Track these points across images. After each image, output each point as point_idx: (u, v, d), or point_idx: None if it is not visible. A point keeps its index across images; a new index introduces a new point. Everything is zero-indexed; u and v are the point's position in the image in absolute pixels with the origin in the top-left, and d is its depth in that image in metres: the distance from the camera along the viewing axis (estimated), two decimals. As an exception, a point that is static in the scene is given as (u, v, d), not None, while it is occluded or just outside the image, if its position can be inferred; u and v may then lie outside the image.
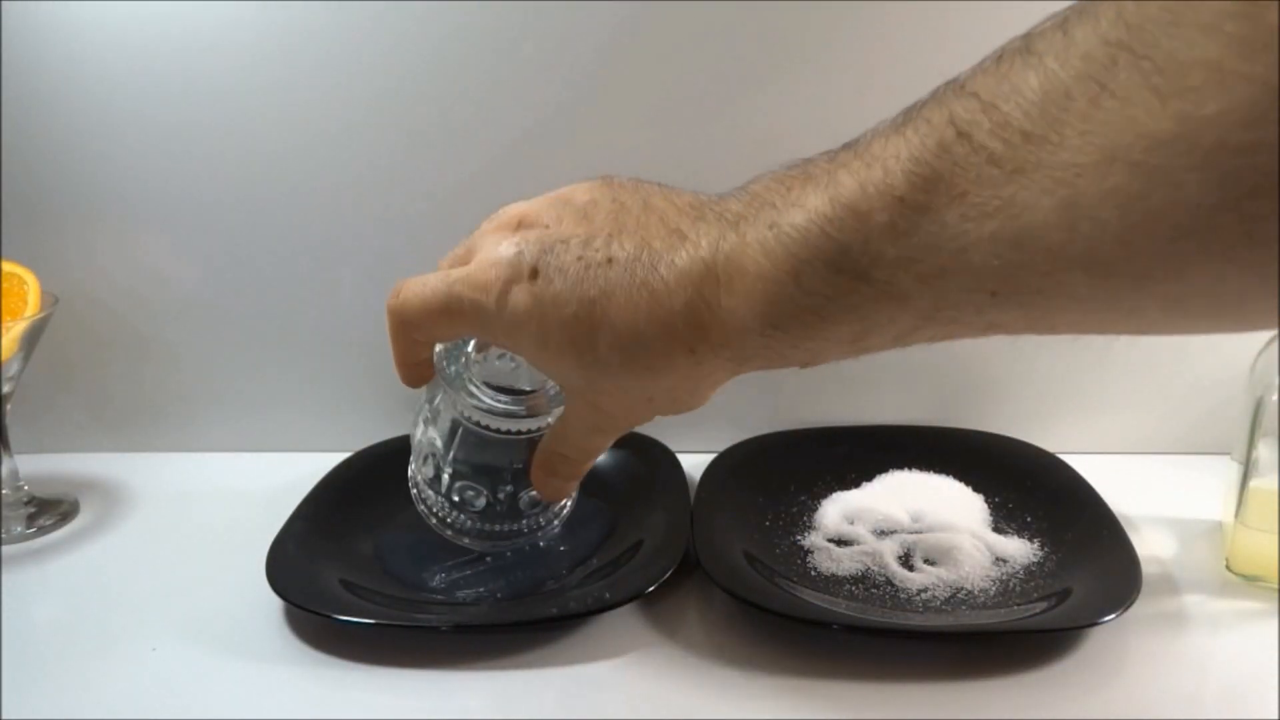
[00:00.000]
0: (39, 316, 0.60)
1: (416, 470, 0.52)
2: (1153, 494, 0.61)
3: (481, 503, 0.50)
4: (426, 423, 0.50)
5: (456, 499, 0.50)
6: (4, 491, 0.61)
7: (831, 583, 0.52)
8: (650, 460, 0.63)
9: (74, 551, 0.59)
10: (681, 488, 0.59)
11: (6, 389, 0.60)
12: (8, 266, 0.61)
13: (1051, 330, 0.30)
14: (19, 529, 0.60)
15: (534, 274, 0.37)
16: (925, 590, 0.51)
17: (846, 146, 0.32)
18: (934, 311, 0.31)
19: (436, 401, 0.49)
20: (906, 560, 0.54)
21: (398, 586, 0.53)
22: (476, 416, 0.47)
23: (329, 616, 0.48)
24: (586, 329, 0.37)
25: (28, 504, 0.62)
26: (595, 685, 0.45)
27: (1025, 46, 0.27)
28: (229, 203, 0.65)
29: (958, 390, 0.68)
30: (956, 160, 0.28)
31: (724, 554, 0.52)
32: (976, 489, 0.60)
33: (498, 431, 0.47)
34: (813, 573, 0.53)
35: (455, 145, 0.64)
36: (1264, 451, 0.50)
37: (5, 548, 0.59)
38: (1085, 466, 0.60)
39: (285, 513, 0.57)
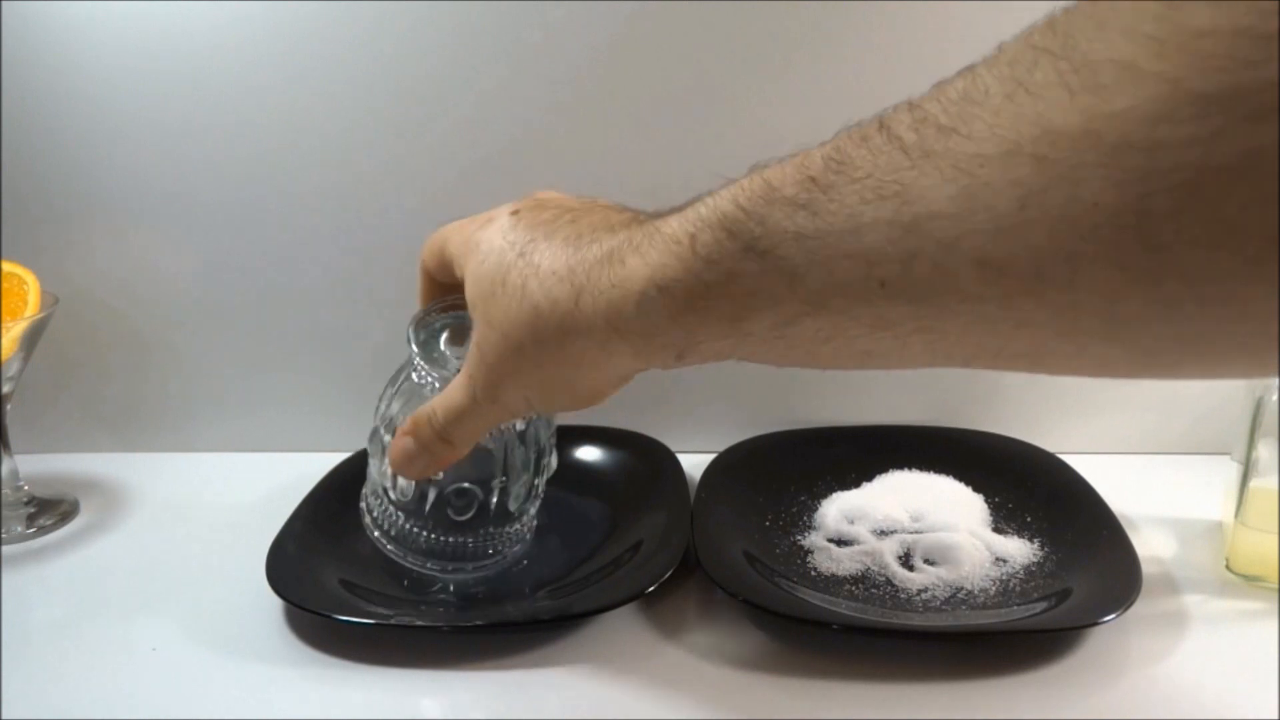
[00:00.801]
0: (39, 316, 0.60)
1: (380, 493, 0.51)
2: (1153, 494, 0.61)
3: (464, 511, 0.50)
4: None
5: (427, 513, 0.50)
6: (4, 491, 0.61)
7: (831, 583, 0.52)
8: (650, 460, 0.63)
9: (74, 551, 0.59)
10: (681, 488, 0.59)
11: (6, 389, 0.60)
12: (8, 266, 0.61)
13: (941, 339, 0.29)
14: (19, 529, 0.60)
15: (515, 212, 0.40)
16: (925, 590, 0.51)
17: None
18: (822, 298, 0.30)
19: (406, 411, 0.48)
20: (906, 560, 0.54)
21: (398, 586, 0.53)
22: (444, 378, 0.45)
23: (329, 616, 0.48)
24: (515, 255, 0.38)
25: (28, 504, 0.62)
26: (595, 685, 0.45)
27: (970, 65, 0.27)
28: (229, 203, 0.65)
29: (957, 390, 0.68)
30: (871, 148, 0.28)
31: (724, 554, 0.52)
32: (976, 489, 0.60)
33: None
34: (813, 573, 0.53)
35: (455, 145, 0.64)
36: (1264, 451, 0.50)
37: (5, 548, 0.59)
38: (1085, 466, 0.60)
39: (285, 513, 0.57)
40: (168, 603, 0.53)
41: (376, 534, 0.51)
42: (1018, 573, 0.53)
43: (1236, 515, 0.52)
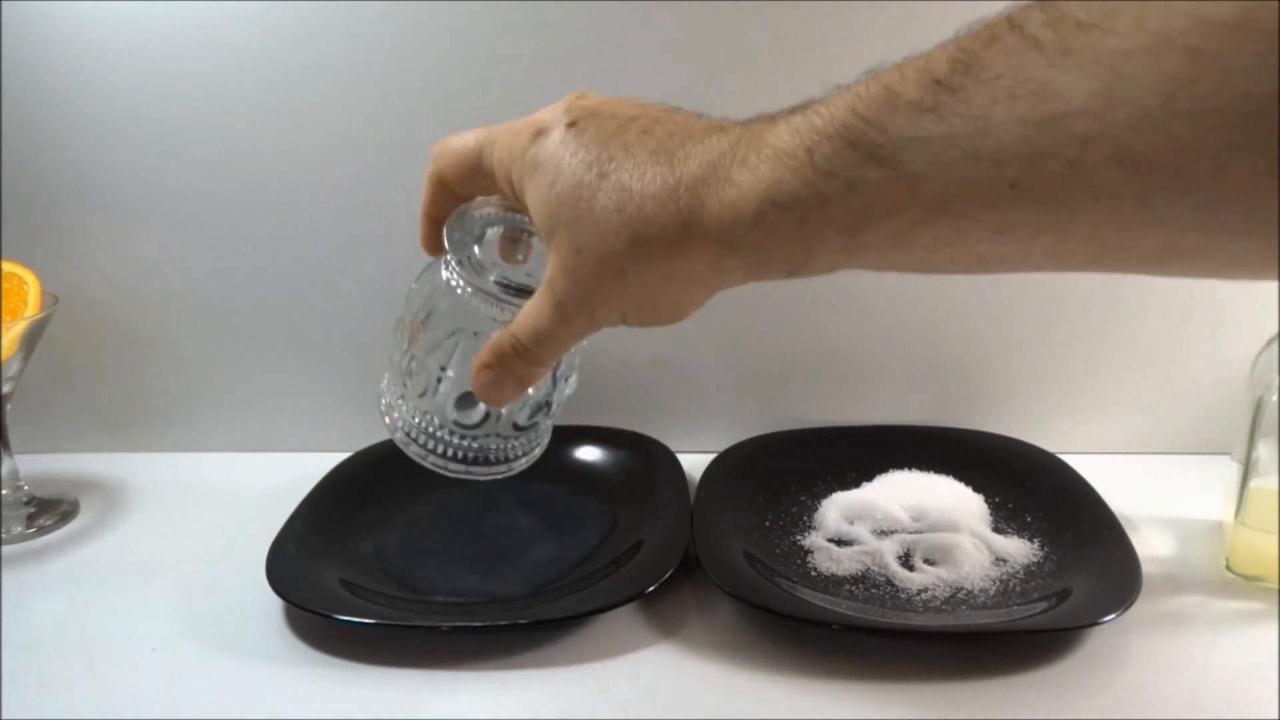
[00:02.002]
0: (39, 316, 0.60)
1: (401, 383, 0.47)
2: (1153, 494, 0.61)
3: (476, 416, 0.46)
4: (415, 327, 0.46)
5: (446, 414, 0.46)
6: (4, 491, 0.61)
7: (831, 583, 0.52)
8: (650, 460, 0.63)
9: (74, 551, 0.59)
10: (681, 488, 0.59)
11: (6, 389, 0.60)
12: (8, 266, 0.61)
13: (1065, 241, 0.28)
14: (19, 529, 0.60)
15: (572, 124, 0.38)
16: (925, 590, 0.51)
17: None
18: (944, 203, 0.29)
19: (432, 306, 0.45)
20: (906, 560, 0.54)
21: (398, 586, 0.53)
22: (478, 288, 0.43)
23: (329, 616, 0.48)
24: (595, 176, 0.36)
25: (28, 504, 0.62)
26: (595, 685, 0.45)
27: None
28: (229, 203, 0.65)
29: (958, 390, 0.68)
30: (1003, 48, 0.27)
31: (724, 554, 0.52)
32: (976, 489, 0.60)
33: (496, 304, 0.43)
34: (813, 573, 0.53)
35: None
36: (1264, 451, 0.50)
37: (5, 548, 0.59)
38: (1085, 466, 0.60)
39: (285, 513, 0.57)
40: (168, 603, 0.53)
41: (399, 435, 0.47)
42: (1018, 573, 0.53)
43: (1236, 515, 0.52)
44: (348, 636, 0.48)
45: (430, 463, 0.47)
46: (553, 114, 0.39)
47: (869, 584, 0.52)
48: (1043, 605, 0.49)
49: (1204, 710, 0.43)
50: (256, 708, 0.44)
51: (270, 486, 0.64)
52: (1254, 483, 0.51)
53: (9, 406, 0.61)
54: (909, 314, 0.66)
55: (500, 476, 0.48)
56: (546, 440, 0.49)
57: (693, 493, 0.59)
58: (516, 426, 0.47)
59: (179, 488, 0.66)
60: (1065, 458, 0.62)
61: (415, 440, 0.47)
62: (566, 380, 0.49)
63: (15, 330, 0.58)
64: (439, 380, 0.46)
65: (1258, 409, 0.50)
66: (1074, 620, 0.46)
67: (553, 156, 0.37)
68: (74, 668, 0.47)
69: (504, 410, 0.46)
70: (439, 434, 0.47)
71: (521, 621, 0.49)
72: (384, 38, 0.61)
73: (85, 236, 0.66)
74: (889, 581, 0.52)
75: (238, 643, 0.49)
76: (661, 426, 0.67)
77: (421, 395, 0.46)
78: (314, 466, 0.63)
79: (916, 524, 0.57)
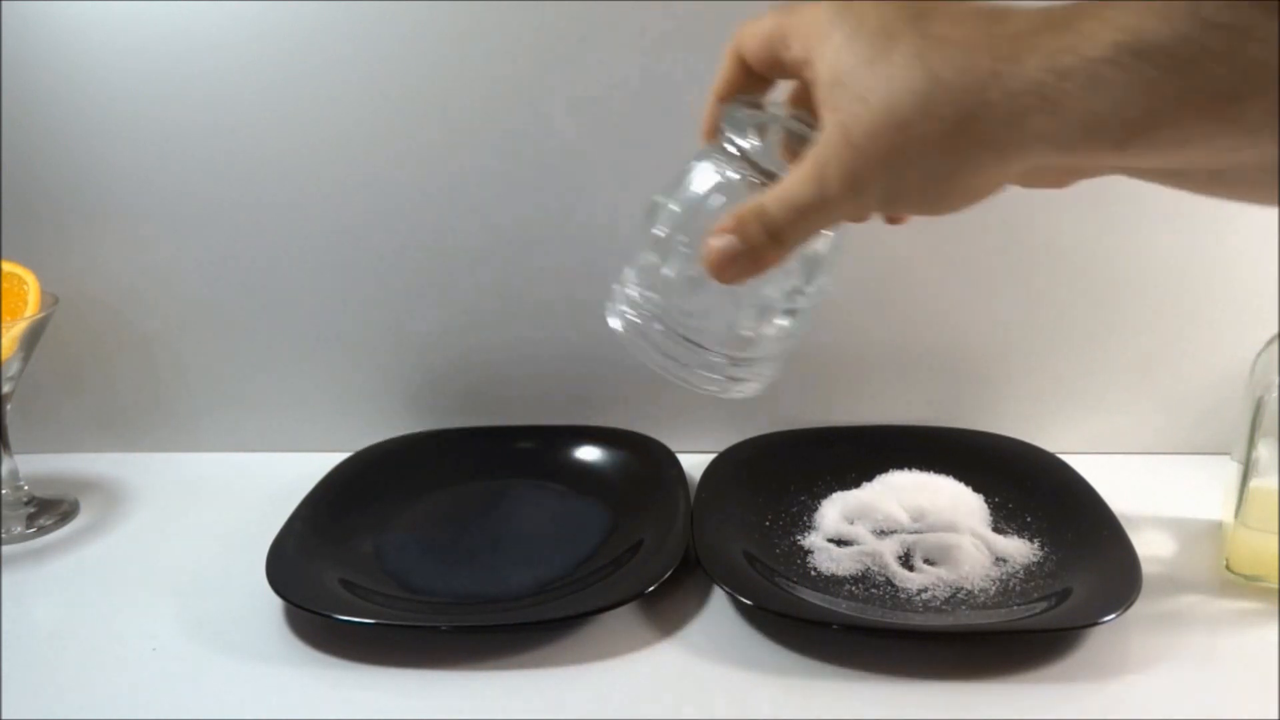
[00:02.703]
0: (39, 316, 0.60)
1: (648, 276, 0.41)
2: (1153, 494, 0.61)
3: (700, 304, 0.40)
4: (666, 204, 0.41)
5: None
6: (4, 491, 0.61)
7: (831, 583, 0.52)
8: (650, 460, 0.63)
9: (74, 551, 0.59)
10: (681, 488, 0.59)
11: (6, 389, 0.60)
12: (8, 266, 0.61)
13: None
14: (19, 529, 0.60)
15: None
16: (925, 590, 0.51)
17: None
18: None
19: (688, 182, 0.40)
20: (906, 560, 0.54)
21: (397, 586, 0.53)
22: (744, 155, 0.38)
23: (329, 616, 0.48)
24: (903, 22, 0.31)
25: (28, 504, 0.62)
26: (595, 685, 0.45)
27: None
28: (229, 203, 0.65)
29: (957, 390, 0.68)
30: None
31: (724, 554, 0.52)
32: (976, 489, 0.60)
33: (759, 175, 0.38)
34: (813, 573, 0.53)
35: (457, 146, 0.64)
36: (1264, 451, 0.50)
37: (5, 548, 0.59)
38: (1085, 466, 0.60)
39: (285, 513, 0.57)
40: (167, 603, 0.53)
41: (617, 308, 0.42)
42: (1018, 573, 0.53)
43: (1236, 515, 0.52)
44: (348, 636, 0.48)
45: (637, 342, 0.41)
46: None
47: (869, 584, 0.52)
48: (1043, 605, 0.49)
49: (1204, 710, 0.43)
50: (256, 708, 0.44)
51: (270, 486, 0.63)
52: (1254, 483, 0.51)
53: (9, 406, 0.61)
54: (909, 314, 0.66)
55: (713, 390, 0.42)
56: (771, 365, 0.43)
57: (693, 493, 0.59)
58: (739, 337, 0.41)
59: (179, 488, 0.66)
60: (1065, 458, 0.62)
61: (629, 311, 0.41)
62: (810, 284, 0.41)
63: (15, 330, 0.58)
64: (671, 253, 0.40)
65: (1258, 409, 0.50)
66: (1074, 620, 0.46)
67: (857, 12, 0.33)
68: (74, 668, 0.47)
69: (733, 294, 0.39)
70: (656, 309, 0.41)
71: (521, 621, 0.49)
72: (384, 38, 0.61)
73: (85, 236, 0.67)
74: (889, 581, 0.52)
75: (238, 643, 0.49)
76: (661, 426, 0.67)
77: (652, 271, 0.41)
78: (314, 466, 0.63)
79: (916, 524, 0.57)
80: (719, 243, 0.36)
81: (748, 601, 0.48)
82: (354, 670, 0.47)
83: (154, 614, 0.52)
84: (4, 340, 0.58)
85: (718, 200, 0.39)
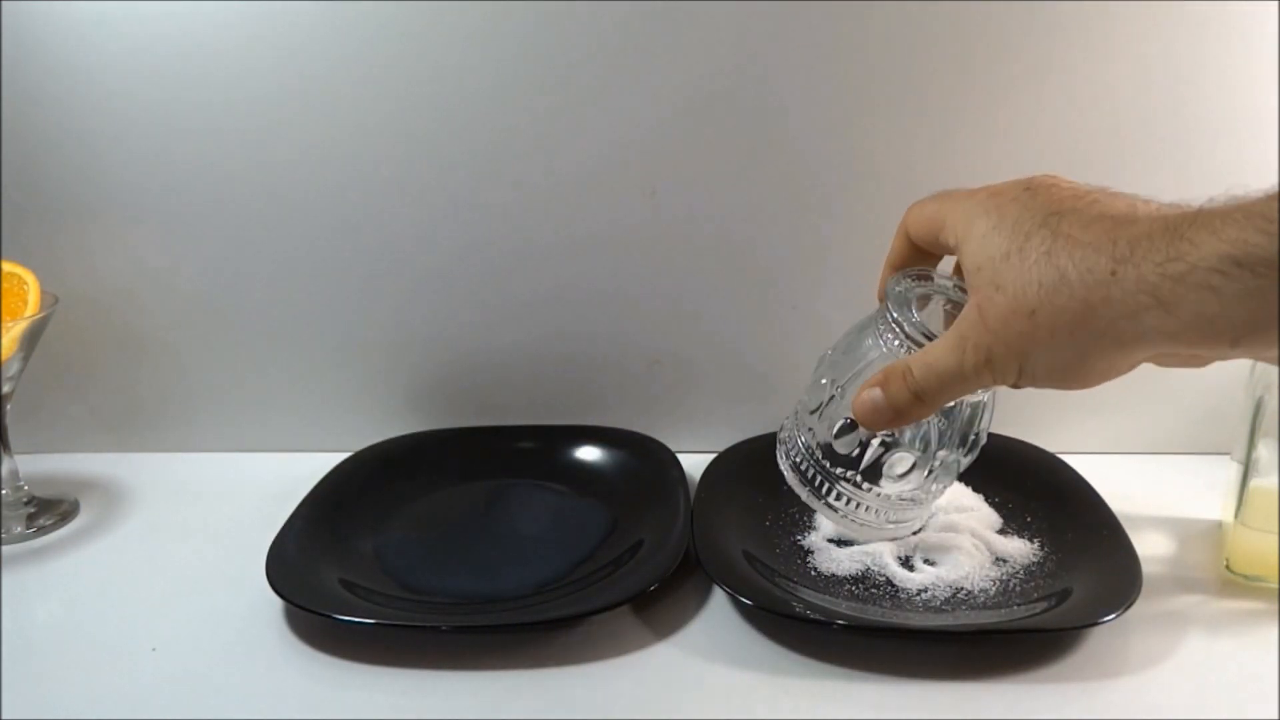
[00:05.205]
0: (39, 316, 0.60)
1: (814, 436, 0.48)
2: (1153, 494, 0.61)
3: (847, 448, 0.47)
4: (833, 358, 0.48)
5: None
6: (4, 491, 0.61)
7: (831, 583, 0.52)
8: (650, 460, 0.63)
9: (74, 551, 0.59)
10: (681, 488, 0.59)
11: (6, 389, 0.60)
12: (8, 266, 0.61)
13: None
14: (19, 529, 0.60)
15: (1028, 188, 0.38)
16: (925, 590, 0.51)
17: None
18: None
19: (854, 341, 0.47)
20: (906, 560, 0.54)
21: (398, 586, 0.53)
22: (899, 323, 0.43)
23: (329, 616, 0.48)
24: (1036, 224, 0.36)
25: (28, 504, 0.62)
26: (595, 685, 0.45)
27: None
28: (229, 203, 0.65)
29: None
30: None
31: (724, 554, 0.52)
32: (976, 489, 0.60)
33: (909, 343, 0.43)
34: (813, 573, 0.53)
35: (456, 146, 0.64)
36: (1264, 451, 0.50)
37: (5, 548, 0.59)
38: (1085, 466, 0.60)
39: (285, 513, 0.57)
40: (168, 603, 0.53)
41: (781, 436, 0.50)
42: (1018, 573, 0.53)
43: (1236, 515, 0.52)
44: (348, 636, 0.48)
45: (786, 467, 0.49)
46: (1013, 181, 0.39)
47: (869, 584, 0.52)
48: (1043, 605, 0.49)
49: (1204, 710, 0.43)
50: (256, 708, 0.44)
51: (270, 486, 0.63)
52: (1254, 483, 0.51)
53: (9, 406, 0.61)
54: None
55: (839, 523, 0.49)
56: (908, 523, 0.50)
57: (693, 493, 0.59)
58: (874, 481, 0.47)
59: (179, 488, 0.66)
60: (1065, 458, 0.62)
61: (784, 444, 0.49)
62: (950, 448, 0.48)
63: (15, 330, 0.58)
64: (831, 398, 0.47)
65: (1258, 409, 0.50)
66: (1074, 620, 0.46)
67: (1000, 207, 0.38)
68: (74, 667, 0.47)
69: (873, 443, 0.46)
70: (805, 443, 0.48)
71: (522, 621, 0.49)
72: (384, 39, 0.61)
73: (85, 237, 0.66)
74: (889, 581, 0.52)
75: (238, 643, 0.49)
76: (661, 426, 0.67)
77: (813, 412, 0.48)
78: (314, 466, 0.63)
79: (916, 524, 0.57)
80: (866, 395, 0.42)
81: (748, 601, 0.48)
82: (354, 670, 0.47)
83: (154, 614, 0.52)
84: (4, 340, 0.58)
85: (875, 355, 0.45)
